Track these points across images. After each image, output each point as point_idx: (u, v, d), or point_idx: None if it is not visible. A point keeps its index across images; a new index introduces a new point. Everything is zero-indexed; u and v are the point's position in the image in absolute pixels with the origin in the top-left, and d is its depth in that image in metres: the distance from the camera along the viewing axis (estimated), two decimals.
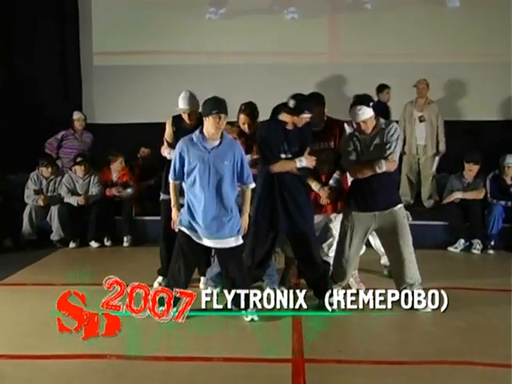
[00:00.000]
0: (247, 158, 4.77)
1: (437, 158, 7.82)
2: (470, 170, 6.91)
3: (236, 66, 8.56)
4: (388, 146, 4.47)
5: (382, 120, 4.58)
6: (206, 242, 4.35)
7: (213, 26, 8.73)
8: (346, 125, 4.98)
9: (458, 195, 6.89)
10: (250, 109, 4.94)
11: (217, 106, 4.18)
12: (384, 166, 4.44)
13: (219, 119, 4.15)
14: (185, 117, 5.03)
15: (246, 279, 4.46)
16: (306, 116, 4.43)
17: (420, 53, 8.42)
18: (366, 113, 4.47)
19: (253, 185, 4.42)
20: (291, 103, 4.42)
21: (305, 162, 4.50)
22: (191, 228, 4.32)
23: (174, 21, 8.70)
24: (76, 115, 7.94)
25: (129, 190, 7.29)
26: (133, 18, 8.81)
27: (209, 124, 4.19)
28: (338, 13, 8.74)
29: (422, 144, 7.78)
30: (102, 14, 8.90)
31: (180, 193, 4.48)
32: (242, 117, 4.93)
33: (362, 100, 4.52)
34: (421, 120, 7.70)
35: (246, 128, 4.95)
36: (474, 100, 8.29)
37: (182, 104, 5.00)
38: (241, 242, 4.38)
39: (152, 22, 8.72)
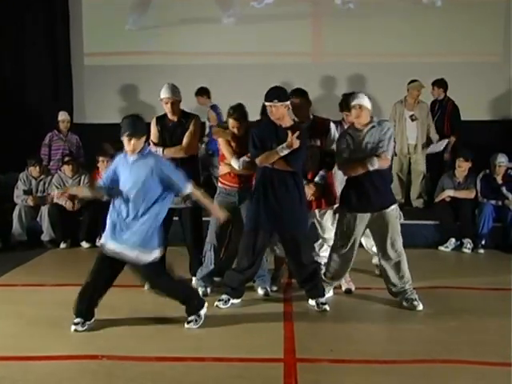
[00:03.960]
0: (242, 160, 4.76)
1: (442, 141, 7.77)
2: (460, 167, 6.94)
3: (223, 66, 8.56)
4: (381, 144, 4.46)
5: (375, 118, 4.60)
6: (113, 246, 4.09)
7: (200, 27, 8.72)
8: (332, 123, 4.99)
9: (449, 193, 6.92)
10: (238, 113, 4.86)
11: (127, 128, 4.02)
12: (376, 164, 4.42)
13: (129, 141, 4.01)
14: (167, 108, 5.05)
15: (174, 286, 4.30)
16: (273, 104, 4.40)
17: (405, 52, 8.46)
18: (365, 101, 4.50)
19: (187, 189, 4.15)
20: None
21: (286, 148, 4.40)
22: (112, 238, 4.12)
23: (164, 21, 8.69)
24: (61, 116, 7.92)
25: None
26: (123, 19, 8.81)
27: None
28: (321, 13, 8.74)
29: (413, 143, 7.78)
30: (93, 14, 8.88)
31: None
32: (231, 121, 4.87)
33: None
34: (412, 119, 7.71)
35: (236, 131, 4.90)
36: (465, 100, 8.30)
37: (163, 93, 5.06)
38: (150, 259, 4.07)
39: (142, 22, 8.71)
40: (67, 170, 7.22)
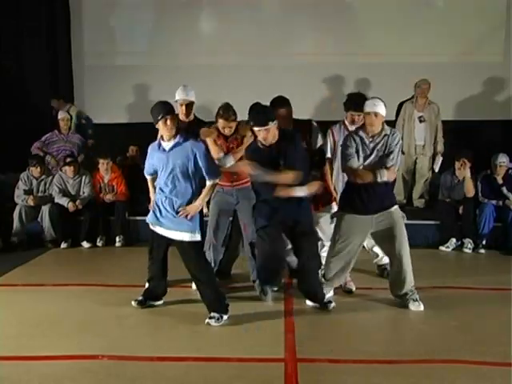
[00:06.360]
0: (228, 157, 4.80)
1: (440, 158, 7.69)
2: (463, 163, 6.89)
3: (224, 66, 8.53)
4: (391, 156, 4.41)
5: (386, 126, 4.52)
6: (167, 233, 4.36)
7: (202, 27, 8.74)
8: (313, 123, 4.99)
9: None
10: (226, 114, 4.84)
11: (161, 111, 4.21)
12: (385, 176, 4.40)
13: (166, 121, 4.19)
14: (181, 110, 5.06)
15: (213, 279, 4.44)
16: (259, 129, 4.32)
17: (405, 52, 8.40)
18: (382, 108, 4.44)
19: (213, 181, 4.33)
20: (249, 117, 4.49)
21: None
22: (157, 222, 4.38)
23: (165, 22, 8.70)
24: (61, 115, 7.90)
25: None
26: (124, 19, 8.81)
27: (160, 129, 4.27)
28: (322, 12, 8.67)
29: (420, 144, 7.67)
30: (93, 14, 8.87)
31: None
32: (221, 121, 4.86)
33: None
34: (421, 120, 7.61)
35: (225, 131, 4.89)
36: (465, 99, 8.31)
37: (178, 95, 5.08)
38: (198, 238, 4.33)
39: (143, 22, 8.72)
40: (68, 170, 7.21)
